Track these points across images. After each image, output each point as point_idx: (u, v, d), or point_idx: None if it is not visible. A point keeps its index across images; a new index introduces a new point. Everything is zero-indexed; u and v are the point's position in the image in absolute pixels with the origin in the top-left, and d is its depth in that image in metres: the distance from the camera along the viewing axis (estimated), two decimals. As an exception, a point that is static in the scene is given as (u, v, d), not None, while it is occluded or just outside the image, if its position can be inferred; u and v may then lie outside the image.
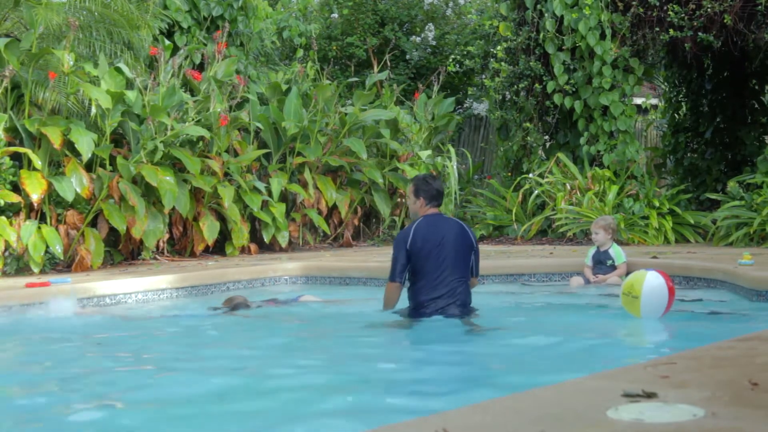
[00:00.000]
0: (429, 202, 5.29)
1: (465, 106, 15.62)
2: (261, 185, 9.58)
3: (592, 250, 7.20)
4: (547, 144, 11.15)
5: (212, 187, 8.94)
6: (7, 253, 7.62)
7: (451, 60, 14.01)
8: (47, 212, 7.99)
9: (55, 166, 8.26)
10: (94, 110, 8.50)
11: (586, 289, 6.92)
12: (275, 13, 13.11)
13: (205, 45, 10.46)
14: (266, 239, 9.63)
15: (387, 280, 5.31)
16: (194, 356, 4.75)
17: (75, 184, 7.95)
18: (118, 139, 8.89)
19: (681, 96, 12.71)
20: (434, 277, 5.15)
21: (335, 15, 15.06)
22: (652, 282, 4.99)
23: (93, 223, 8.29)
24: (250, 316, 6.00)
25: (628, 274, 6.50)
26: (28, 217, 7.86)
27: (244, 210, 9.46)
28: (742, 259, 6.53)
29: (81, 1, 9.03)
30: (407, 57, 14.85)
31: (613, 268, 7.00)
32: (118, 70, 8.67)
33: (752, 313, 5.42)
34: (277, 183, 9.70)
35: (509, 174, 11.37)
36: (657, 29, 9.95)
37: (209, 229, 8.95)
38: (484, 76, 13.23)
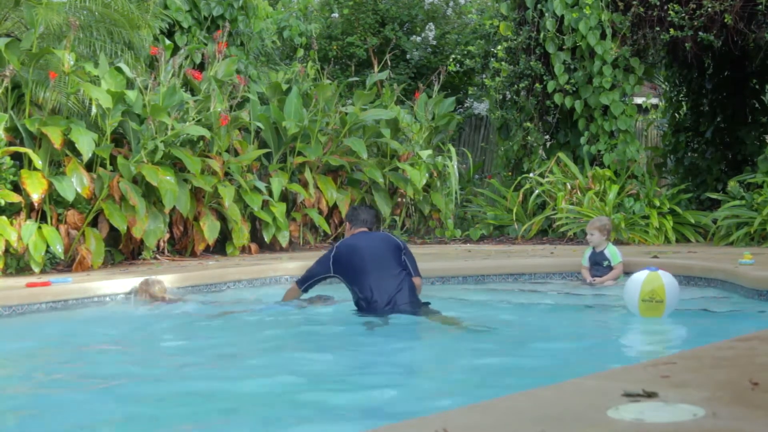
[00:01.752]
0: (354, 225, 5.82)
1: (465, 105, 15.61)
2: (261, 185, 9.57)
3: (588, 251, 7.17)
4: (548, 144, 11.15)
5: (213, 186, 8.93)
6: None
7: (451, 60, 14.01)
8: (48, 212, 7.98)
9: (56, 166, 8.25)
10: (94, 110, 8.49)
11: (584, 289, 6.91)
12: (275, 12, 13.11)
13: (206, 45, 10.45)
14: (267, 239, 9.62)
15: (294, 280, 5.80)
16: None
17: (75, 183, 7.94)
18: (119, 139, 8.89)
19: (681, 95, 12.71)
20: (374, 279, 5.41)
21: (335, 15, 15.06)
22: (668, 281, 5.09)
23: (93, 223, 8.29)
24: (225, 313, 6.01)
25: (626, 273, 6.51)
26: (28, 216, 7.86)
27: (245, 210, 9.45)
28: (742, 259, 6.53)
29: (81, 1, 9.02)
30: (407, 57, 14.85)
31: (610, 268, 6.98)
32: (119, 69, 8.67)
33: (752, 313, 5.42)
34: (278, 183, 9.70)
35: (510, 174, 11.37)
36: (657, 29, 9.94)
37: (210, 229, 8.95)
38: (484, 76, 13.23)
